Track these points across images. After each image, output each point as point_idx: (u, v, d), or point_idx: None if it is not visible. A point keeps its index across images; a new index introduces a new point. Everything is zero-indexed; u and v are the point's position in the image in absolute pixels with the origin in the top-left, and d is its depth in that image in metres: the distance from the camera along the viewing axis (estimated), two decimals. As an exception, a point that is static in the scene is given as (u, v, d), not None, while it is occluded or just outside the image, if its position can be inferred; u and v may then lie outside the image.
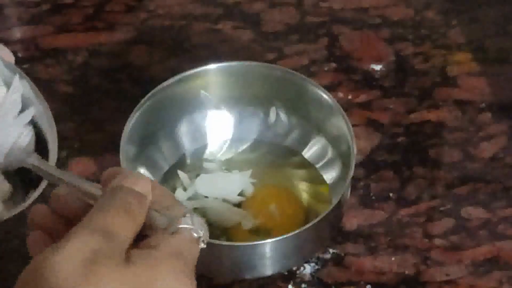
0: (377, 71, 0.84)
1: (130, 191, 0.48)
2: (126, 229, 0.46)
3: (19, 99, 0.63)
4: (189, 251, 0.47)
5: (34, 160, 0.54)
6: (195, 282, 0.46)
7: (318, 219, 0.64)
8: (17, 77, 0.63)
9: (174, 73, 0.73)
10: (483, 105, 0.82)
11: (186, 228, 0.48)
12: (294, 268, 0.71)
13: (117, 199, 0.47)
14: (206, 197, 0.72)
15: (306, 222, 0.67)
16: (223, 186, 0.73)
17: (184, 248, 0.47)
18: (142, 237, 0.47)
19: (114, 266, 0.44)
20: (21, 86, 0.63)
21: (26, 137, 0.65)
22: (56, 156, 0.60)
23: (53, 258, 0.44)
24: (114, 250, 0.44)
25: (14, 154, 0.57)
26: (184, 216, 0.48)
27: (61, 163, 0.78)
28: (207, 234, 0.49)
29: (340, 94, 0.82)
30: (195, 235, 0.48)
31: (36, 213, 0.52)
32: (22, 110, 0.63)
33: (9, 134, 0.62)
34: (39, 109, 0.63)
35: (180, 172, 0.74)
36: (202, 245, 0.49)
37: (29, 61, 0.85)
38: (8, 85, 0.66)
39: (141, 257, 0.45)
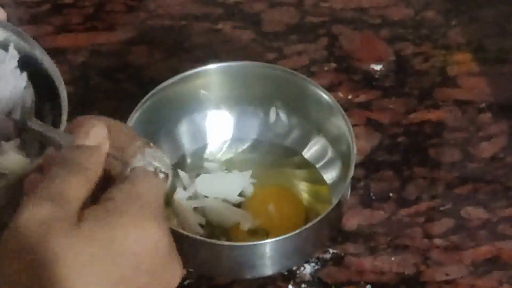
0: (377, 71, 0.84)
1: (79, 149, 0.47)
2: (76, 189, 0.45)
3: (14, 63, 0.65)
4: (148, 191, 0.46)
5: (33, 124, 0.52)
6: (164, 223, 0.45)
7: (318, 219, 0.64)
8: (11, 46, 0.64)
9: (174, 73, 0.73)
10: (483, 105, 0.82)
11: (138, 167, 0.46)
12: (294, 268, 0.71)
13: (66, 162, 0.46)
14: (206, 197, 0.72)
15: (306, 222, 0.67)
16: (223, 186, 0.73)
17: (141, 189, 0.45)
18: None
19: (67, 230, 0.43)
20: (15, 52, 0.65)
21: (28, 99, 0.65)
22: (66, 114, 0.61)
23: (5, 234, 0.44)
24: (65, 214, 0.43)
25: (17, 115, 0.56)
26: (134, 155, 0.47)
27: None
28: (166, 164, 0.47)
29: (340, 94, 0.82)
30: (150, 169, 0.46)
31: (29, 180, 0.50)
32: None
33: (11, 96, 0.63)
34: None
35: (180, 172, 0.74)
36: (162, 176, 0.47)
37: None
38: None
39: (93, 213, 0.44)
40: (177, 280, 0.46)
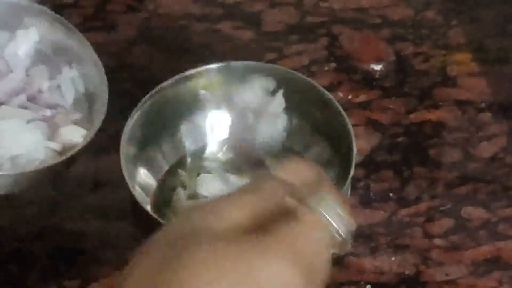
0: (377, 71, 0.84)
1: (269, 176, 0.46)
2: (242, 208, 0.44)
3: None
4: (311, 238, 0.43)
5: None
6: (298, 272, 0.42)
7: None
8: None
9: (174, 73, 0.73)
10: (483, 105, 0.82)
11: (312, 213, 0.44)
12: (294, 268, 0.71)
13: (252, 183, 0.46)
14: (206, 197, 0.72)
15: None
16: (223, 186, 0.73)
17: (304, 234, 0.43)
18: None
19: (204, 243, 0.42)
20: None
21: None
22: None
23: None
24: (211, 228, 0.42)
25: None
26: (320, 202, 0.44)
27: (61, 163, 0.78)
28: (344, 223, 0.44)
29: (340, 94, 0.82)
30: (324, 221, 0.43)
31: None
32: None
33: None
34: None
35: (180, 171, 0.74)
36: (335, 234, 0.44)
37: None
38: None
39: (243, 238, 0.42)
40: None
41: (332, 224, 0.44)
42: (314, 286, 0.43)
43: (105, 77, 0.72)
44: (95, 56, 0.74)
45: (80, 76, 0.75)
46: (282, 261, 0.42)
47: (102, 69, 0.73)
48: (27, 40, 0.76)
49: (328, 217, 0.43)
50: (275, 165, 0.47)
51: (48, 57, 0.77)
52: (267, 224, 0.43)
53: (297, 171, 0.47)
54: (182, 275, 0.41)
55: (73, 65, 0.76)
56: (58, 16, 0.76)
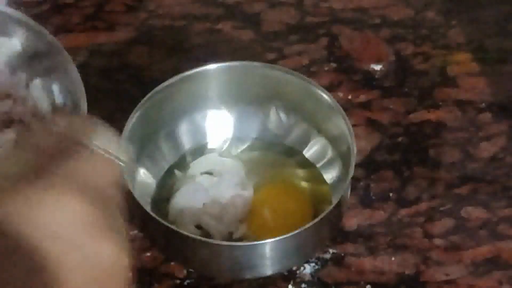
0: (377, 71, 0.84)
1: (45, 130, 0.48)
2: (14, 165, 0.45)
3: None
4: (92, 168, 0.46)
5: None
6: (96, 203, 0.44)
7: (318, 219, 0.64)
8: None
9: (174, 73, 0.73)
10: (483, 105, 0.82)
11: (86, 147, 0.46)
12: (294, 268, 0.71)
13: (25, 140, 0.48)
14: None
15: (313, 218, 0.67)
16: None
17: (84, 166, 0.46)
18: None
19: None
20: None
21: None
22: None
23: None
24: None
25: None
26: (87, 135, 0.47)
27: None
28: (117, 149, 0.47)
29: (340, 94, 0.82)
30: (100, 151, 0.46)
31: None
32: None
33: None
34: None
35: (177, 172, 0.74)
36: (116, 161, 0.47)
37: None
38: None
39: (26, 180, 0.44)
40: (109, 260, 0.44)
41: (108, 152, 0.46)
42: (103, 207, 0.45)
43: (83, 91, 0.71)
44: (74, 69, 0.73)
45: (58, 88, 0.75)
46: (66, 194, 0.44)
47: (81, 84, 0.72)
48: (8, 48, 0.76)
49: (101, 147, 0.46)
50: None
51: (26, 66, 0.76)
52: (46, 167, 0.45)
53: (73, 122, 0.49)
54: None
55: (51, 76, 0.75)
56: (41, 27, 0.75)
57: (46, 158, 0.47)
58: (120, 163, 0.47)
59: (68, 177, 0.45)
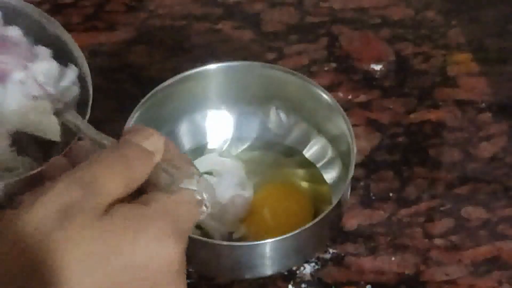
0: (377, 71, 0.84)
1: (133, 146, 0.46)
2: (116, 182, 0.44)
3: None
4: (185, 213, 0.45)
5: (83, 126, 0.54)
6: (181, 247, 0.44)
7: (318, 219, 0.64)
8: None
9: (174, 73, 0.73)
10: (483, 105, 0.82)
11: (187, 188, 0.46)
12: (294, 268, 0.71)
13: (115, 151, 0.45)
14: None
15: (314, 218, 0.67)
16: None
17: (179, 208, 0.45)
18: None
19: (87, 220, 0.42)
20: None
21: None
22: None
23: (25, 211, 0.42)
24: (91, 203, 0.42)
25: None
26: (191, 177, 0.46)
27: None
28: (213, 198, 0.47)
29: (340, 94, 0.82)
30: (198, 197, 0.46)
31: (53, 164, 0.49)
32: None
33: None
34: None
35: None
36: (204, 209, 0.46)
37: (29, 61, 0.85)
38: None
39: (122, 211, 0.43)
40: None
41: (200, 194, 0.46)
42: (183, 241, 0.44)
43: (89, 77, 0.71)
44: (81, 54, 0.72)
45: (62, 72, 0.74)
46: (159, 234, 0.43)
47: (88, 71, 0.71)
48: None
49: (198, 189, 0.46)
50: (133, 132, 0.48)
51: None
52: (140, 195, 0.45)
53: (153, 140, 0.48)
54: (54, 254, 0.41)
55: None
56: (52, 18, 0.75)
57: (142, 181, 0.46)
58: (205, 208, 0.47)
59: (167, 216, 0.44)
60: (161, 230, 0.43)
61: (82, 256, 0.41)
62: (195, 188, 0.46)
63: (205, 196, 0.46)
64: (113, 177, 0.44)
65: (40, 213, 0.42)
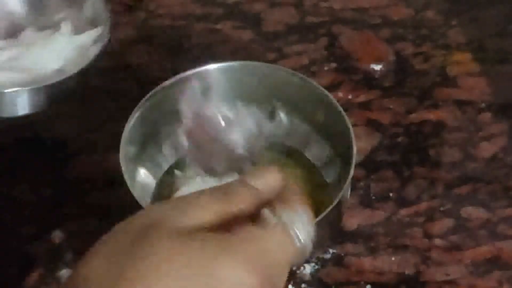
0: (377, 71, 0.84)
1: (238, 181, 0.47)
2: (208, 209, 0.44)
3: None
4: (275, 246, 0.44)
5: None
6: (259, 282, 0.42)
7: (318, 219, 0.64)
8: None
9: (174, 73, 0.73)
10: (483, 105, 0.82)
11: (281, 223, 0.45)
12: (294, 268, 0.71)
13: (222, 185, 0.47)
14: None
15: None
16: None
17: (268, 241, 0.44)
18: None
19: (171, 233, 0.42)
20: None
21: None
22: None
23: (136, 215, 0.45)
24: (174, 222, 0.43)
25: None
26: (286, 210, 0.45)
27: (61, 163, 0.78)
28: (309, 235, 0.45)
29: (340, 94, 0.82)
30: (290, 232, 0.45)
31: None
32: None
33: None
34: None
35: (177, 172, 0.74)
36: (298, 245, 0.45)
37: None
38: None
39: (204, 234, 0.43)
40: None
41: (296, 235, 0.45)
42: (265, 278, 0.43)
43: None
44: None
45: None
46: (241, 263, 0.42)
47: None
48: None
49: (293, 227, 0.45)
50: (248, 172, 0.49)
51: None
52: (231, 227, 0.44)
53: (268, 179, 0.48)
54: (138, 267, 0.41)
55: None
56: None
57: (238, 213, 0.46)
58: (299, 244, 0.45)
59: (244, 243, 0.43)
60: (240, 259, 0.42)
61: (156, 273, 0.42)
62: (287, 221, 0.45)
63: (299, 232, 0.45)
64: (209, 203, 0.45)
65: (137, 219, 0.44)
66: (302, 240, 0.45)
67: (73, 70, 0.70)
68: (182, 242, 0.42)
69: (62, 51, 0.73)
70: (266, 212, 0.46)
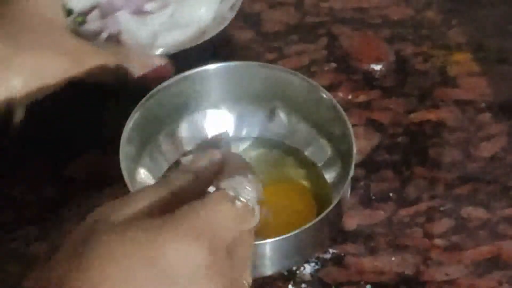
0: (377, 71, 0.84)
1: (179, 168, 0.49)
2: (146, 197, 0.45)
3: None
4: (215, 212, 0.45)
5: None
6: (208, 250, 0.43)
7: (318, 219, 0.64)
8: None
9: (174, 73, 0.73)
10: (483, 105, 0.82)
11: (219, 189, 0.46)
12: (294, 268, 0.71)
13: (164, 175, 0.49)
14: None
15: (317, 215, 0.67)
16: None
17: (208, 209, 0.45)
18: None
19: (104, 230, 0.43)
20: None
21: None
22: None
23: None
24: (114, 216, 0.44)
25: None
26: (223, 178, 0.46)
27: (61, 163, 0.78)
28: (253, 194, 0.46)
29: (340, 94, 0.82)
30: (231, 193, 0.45)
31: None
32: None
33: None
34: None
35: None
36: (239, 204, 0.45)
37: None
38: None
39: (143, 221, 0.44)
40: None
41: (236, 196, 0.45)
42: (223, 258, 0.44)
43: None
44: None
45: None
46: (183, 236, 0.43)
47: None
48: None
49: (231, 190, 0.45)
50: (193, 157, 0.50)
51: None
52: (173, 209, 0.45)
53: (206, 160, 0.50)
54: (82, 265, 0.42)
55: None
56: None
57: (179, 197, 0.47)
58: (239, 203, 0.46)
59: (192, 220, 0.44)
60: (180, 232, 0.43)
61: (100, 261, 0.43)
62: (225, 187, 0.45)
63: (241, 192, 0.45)
64: (143, 194, 0.46)
65: (87, 220, 0.45)
66: (243, 200, 0.45)
67: (212, 32, 0.76)
68: (120, 232, 0.43)
69: (209, 10, 0.78)
70: (208, 188, 0.46)
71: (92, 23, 0.80)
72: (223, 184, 0.46)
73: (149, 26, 0.78)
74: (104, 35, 0.79)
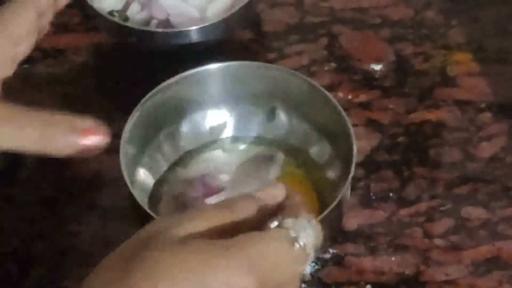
0: (377, 71, 0.84)
1: (244, 195, 0.48)
2: (208, 218, 0.45)
3: None
4: (272, 249, 0.44)
5: None
6: (255, 284, 0.42)
7: (318, 219, 0.64)
8: None
9: (174, 73, 0.73)
10: (483, 105, 0.82)
11: (279, 227, 0.45)
12: (294, 268, 0.71)
13: (227, 198, 0.48)
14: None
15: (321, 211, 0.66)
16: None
17: (265, 244, 0.44)
18: None
19: (160, 244, 0.43)
20: None
21: None
22: None
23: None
24: (172, 232, 0.44)
25: None
26: (285, 217, 0.46)
27: (61, 163, 0.78)
28: (313, 240, 0.45)
29: (340, 94, 0.82)
30: (293, 234, 0.45)
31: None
32: None
33: None
34: None
35: (179, 170, 0.74)
36: (297, 247, 0.45)
37: (30, 61, 0.84)
38: None
39: (200, 241, 0.43)
40: None
41: (296, 238, 0.45)
42: (262, 281, 0.43)
43: None
44: None
45: None
46: (235, 266, 0.42)
47: None
48: None
49: (293, 231, 0.45)
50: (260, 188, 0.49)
51: None
52: (231, 236, 0.44)
53: (271, 193, 0.49)
54: (132, 275, 0.42)
55: None
56: None
57: (239, 225, 0.46)
58: (298, 247, 0.45)
59: (241, 248, 0.43)
60: (234, 262, 0.43)
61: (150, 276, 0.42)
62: (288, 226, 0.45)
63: (300, 234, 0.45)
64: (204, 214, 0.46)
65: (139, 234, 0.46)
66: (302, 244, 0.45)
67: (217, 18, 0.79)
68: (176, 249, 0.43)
69: None
70: (269, 221, 0.46)
71: (138, 15, 0.83)
72: (287, 222, 0.46)
73: (192, 1, 0.82)
74: (155, 21, 0.82)
